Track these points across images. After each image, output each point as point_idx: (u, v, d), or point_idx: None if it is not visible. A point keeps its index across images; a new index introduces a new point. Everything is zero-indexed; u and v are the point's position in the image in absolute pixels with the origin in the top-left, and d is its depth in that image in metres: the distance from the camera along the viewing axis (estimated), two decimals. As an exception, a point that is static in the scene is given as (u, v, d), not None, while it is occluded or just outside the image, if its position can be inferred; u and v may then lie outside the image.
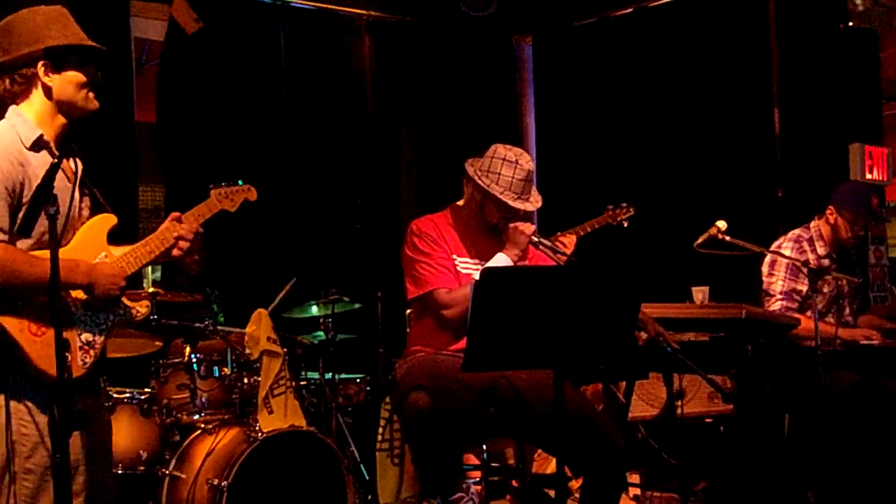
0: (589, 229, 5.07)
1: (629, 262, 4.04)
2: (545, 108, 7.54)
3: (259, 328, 4.59)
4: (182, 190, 5.92)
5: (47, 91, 2.94)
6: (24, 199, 2.84)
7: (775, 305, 4.70)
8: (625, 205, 5.18)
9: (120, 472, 4.45)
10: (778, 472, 4.67)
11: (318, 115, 6.56)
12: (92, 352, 2.93)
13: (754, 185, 6.19)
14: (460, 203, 4.03)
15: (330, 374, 5.19)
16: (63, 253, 2.80)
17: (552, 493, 5.02)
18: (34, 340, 2.81)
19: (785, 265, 4.71)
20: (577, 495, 3.97)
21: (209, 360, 4.77)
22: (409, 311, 4.26)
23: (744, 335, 4.35)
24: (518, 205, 3.78)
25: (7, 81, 2.94)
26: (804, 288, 4.66)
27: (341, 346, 5.31)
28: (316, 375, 5.25)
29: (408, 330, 4.20)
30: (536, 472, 5.55)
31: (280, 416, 4.58)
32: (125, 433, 4.55)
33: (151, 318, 3.53)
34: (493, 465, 4.21)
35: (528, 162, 3.82)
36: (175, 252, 3.08)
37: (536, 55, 7.59)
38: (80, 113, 3.00)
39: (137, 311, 3.10)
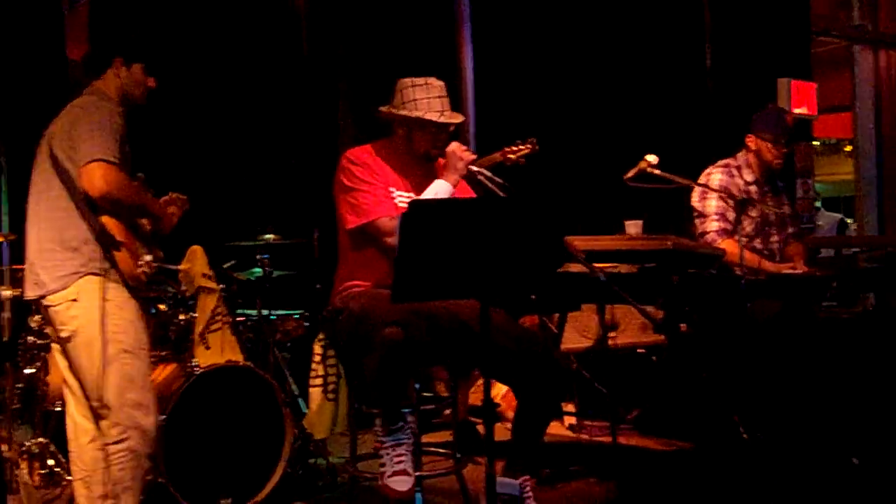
0: (486, 164, 5.09)
1: (552, 193, 4.08)
2: (482, 44, 7.53)
3: (194, 265, 4.60)
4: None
5: None
6: None
7: (711, 225, 4.80)
8: (520, 142, 5.18)
9: (57, 409, 4.46)
10: (706, 400, 4.79)
11: (254, 52, 6.50)
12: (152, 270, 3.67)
13: (687, 119, 6.27)
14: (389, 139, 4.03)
15: (267, 310, 5.21)
16: None
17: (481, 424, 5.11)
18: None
19: (715, 192, 4.83)
20: (509, 426, 4.04)
21: (145, 297, 4.76)
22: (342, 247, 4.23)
23: (672, 266, 4.43)
24: (444, 119, 3.81)
25: None
26: (734, 213, 4.80)
27: (278, 283, 5.33)
28: (254, 312, 5.27)
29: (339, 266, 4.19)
30: (473, 404, 5.66)
31: (217, 351, 4.61)
32: (58, 369, 4.55)
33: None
34: (424, 394, 4.27)
35: (437, 81, 3.86)
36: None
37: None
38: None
39: (159, 254, 3.86)
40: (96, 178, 3.40)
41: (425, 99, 3.80)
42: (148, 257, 3.61)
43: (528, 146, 5.14)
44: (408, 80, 3.86)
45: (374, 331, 3.48)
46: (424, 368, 3.93)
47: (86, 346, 3.54)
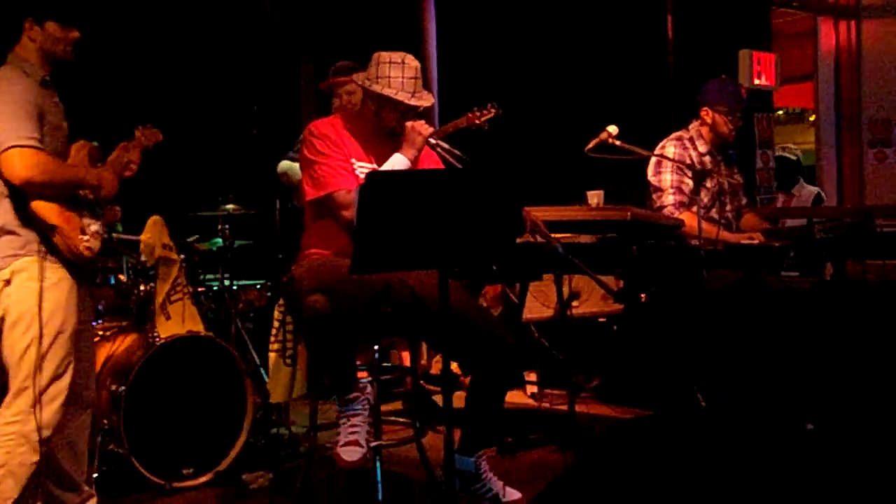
0: (451, 130, 5.13)
1: (510, 164, 4.09)
2: (445, 14, 7.52)
3: (154, 235, 4.59)
4: (74, 99, 5.78)
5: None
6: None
7: (668, 199, 4.83)
8: (487, 105, 5.21)
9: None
10: (664, 369, 4.85)
11: (215, 18, 6.45)
12: (98, 240, 3.56)
13: (648, 90, 6.30)
14: (357, 110, 4.05)
15: (229, 280, 5.21)
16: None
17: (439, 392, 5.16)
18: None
19: (670, 164, 4.86)
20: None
21: (105, 268, 4.76)
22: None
23: (630, 236, 4.47)
24: (413, 102, 3.80)
25: None
26: (690, 182, 4.83)
27: (240, 252, 5.32)
28: (216, 282, 5.27)
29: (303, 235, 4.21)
30: (436, 373, 5.69)
31: (178, 322, 4.62)
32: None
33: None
34: (384, 364, 4.30)
35: (413, 60, 3.85)
36: (126, 173, 3.78)
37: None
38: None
39: (116, 213, 3.94)
40: (15, 166, 3.34)
41: (399, 78, 3.79)
42: (94, 227, 3.54)
43: (492, 111, 5.19)
44: (385, 55, 3.84)
45: (301, 296, 3.56)
46: (375, 340, 3.94)
47: (12, 329, 3.46)
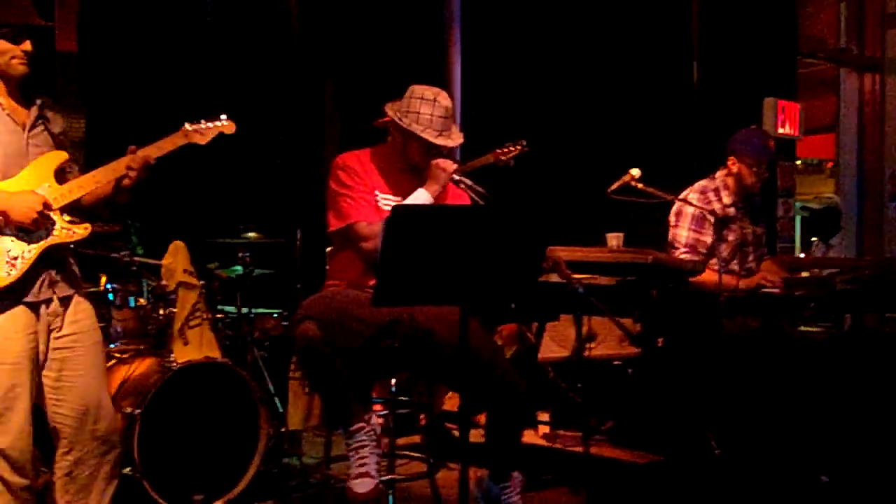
0: (477, 166, 5.13)
1: (536, 203, 4.10)
2: (471, 50, 7.57)
3: (176, 260, 4.61)
4: (104, 122, 5.85)
5: None
6: None
7: (680, 257, 4.82)
8: (514, 142, 5.20)
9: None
10: (679, 413, 4.82)
11: (242, 48, 6.50)
12: (18, 265, 3.33)
13: (672, 135, 6.31)
14: (386, 144, 4.08)
15: (247, 308, 5.22)
16: (10, 184, 3.35)
17: (456, 429, 5.14)
18: None
19: (690, 216, 4.82)
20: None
21: (124, 290, 4.78)
22: (329, 248, 4.28)
23: (650, 280, 4.46)
24: (440, 141, 3.83)
25: None
26: (709, 239, 4.78)
27: (259, 281, 5.34)
28: (233, 309, 5.28)
29: (327, 266, 4.24)
30: (449, 409, 5.67)
31: (195, 347, 4.61)
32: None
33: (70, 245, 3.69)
34: (400, 398, 4.28)
35: (445, 99, 3.87)
36: (125, 182, 3.48)
37: (463, -2, 7.62)
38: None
39: (73, 233, 3.45)
40: None
41: (429, 115, 3.81)
42: (13, 252, 3.34)
43: (518, 147, 5.19)
44: (419, 90, 3.87)
45: (295, 326, 3.59)
46: (387, 374, 3.94)
47: None
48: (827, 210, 7.49)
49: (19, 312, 3.37)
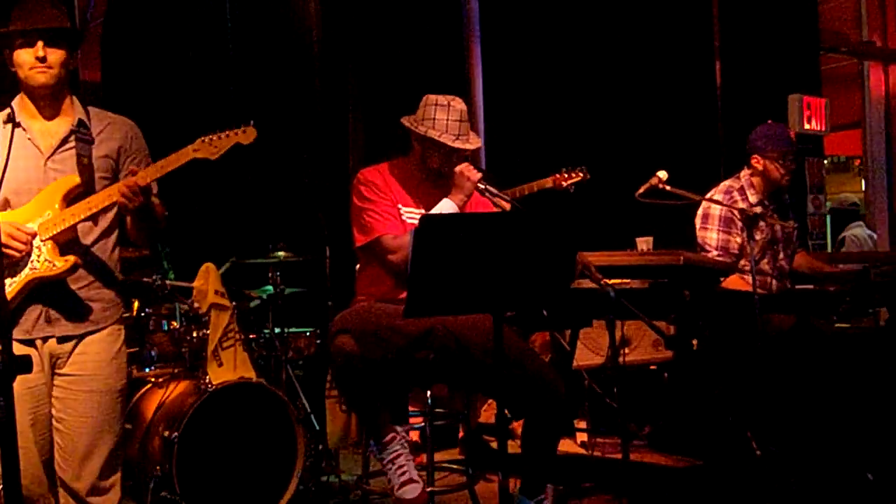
0: (535, 189, 5.09)
1: (565, 209, 4.07)
2: (492, 58, 7.56)
3: (207, 282, 4.63)
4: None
5: None
6: None
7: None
8: (576, 170, 5.14)
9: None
10: (718, 415, 4.78)
11: (265, 71, 6.54)
12: None
13: (697, 135, 6.28)
14: (405, 157, 4.08)
15: (279, 327, 5.23)
16: (13, 214, 3.17)
17: (494, 441, 5.12)
18: None
19: (718, 218, 4.77)
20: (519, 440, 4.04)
21: (157, 315, 4.80)
22: (357, 265, 4.28)
23: (683, 281, 4.42)
24: (458, 144, 3.83)
25: None
26: (739, 239, 4.74)
27: (290, 300, 5.35)
28: (266, 329, 5.29)
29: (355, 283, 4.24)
30: (485, 421, 5.65)
31: (230, 368, 4.63)
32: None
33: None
34: (437, 410, 4.27)
35: (460, 104, 3.88)
36: (127, 207, 3.14)
37: (483, 5, 7.60)
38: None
39: (53, 266, 3.15)
40: None
41: (444, 120, 3.82)
42: None
43: (580, 174, 5.15)
44: (433, 98, 3.89)
45: (330, 340, 3.59)
46: (422, 386, 3.93)
47: None
48: (847, 210, 7.44)
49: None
